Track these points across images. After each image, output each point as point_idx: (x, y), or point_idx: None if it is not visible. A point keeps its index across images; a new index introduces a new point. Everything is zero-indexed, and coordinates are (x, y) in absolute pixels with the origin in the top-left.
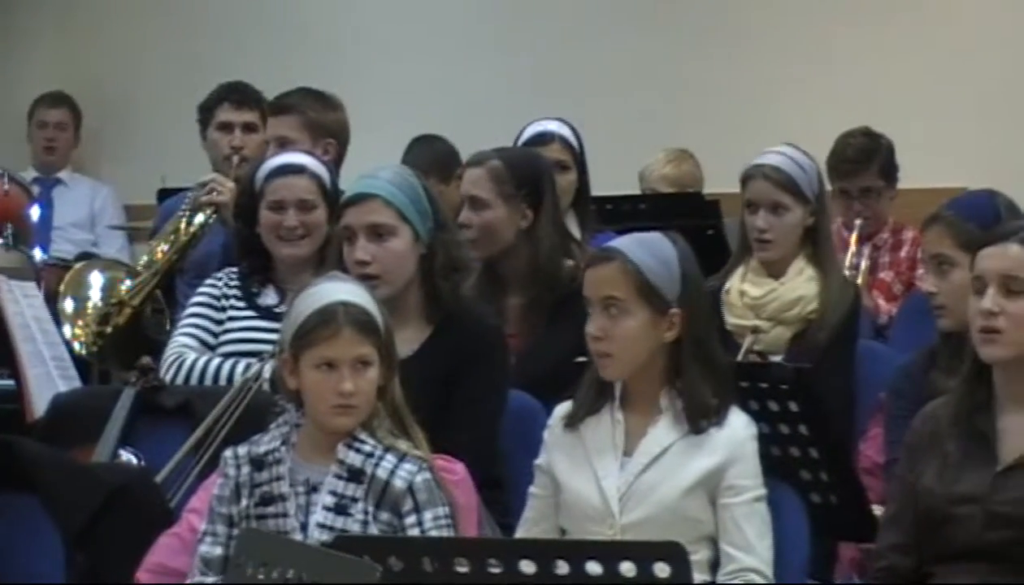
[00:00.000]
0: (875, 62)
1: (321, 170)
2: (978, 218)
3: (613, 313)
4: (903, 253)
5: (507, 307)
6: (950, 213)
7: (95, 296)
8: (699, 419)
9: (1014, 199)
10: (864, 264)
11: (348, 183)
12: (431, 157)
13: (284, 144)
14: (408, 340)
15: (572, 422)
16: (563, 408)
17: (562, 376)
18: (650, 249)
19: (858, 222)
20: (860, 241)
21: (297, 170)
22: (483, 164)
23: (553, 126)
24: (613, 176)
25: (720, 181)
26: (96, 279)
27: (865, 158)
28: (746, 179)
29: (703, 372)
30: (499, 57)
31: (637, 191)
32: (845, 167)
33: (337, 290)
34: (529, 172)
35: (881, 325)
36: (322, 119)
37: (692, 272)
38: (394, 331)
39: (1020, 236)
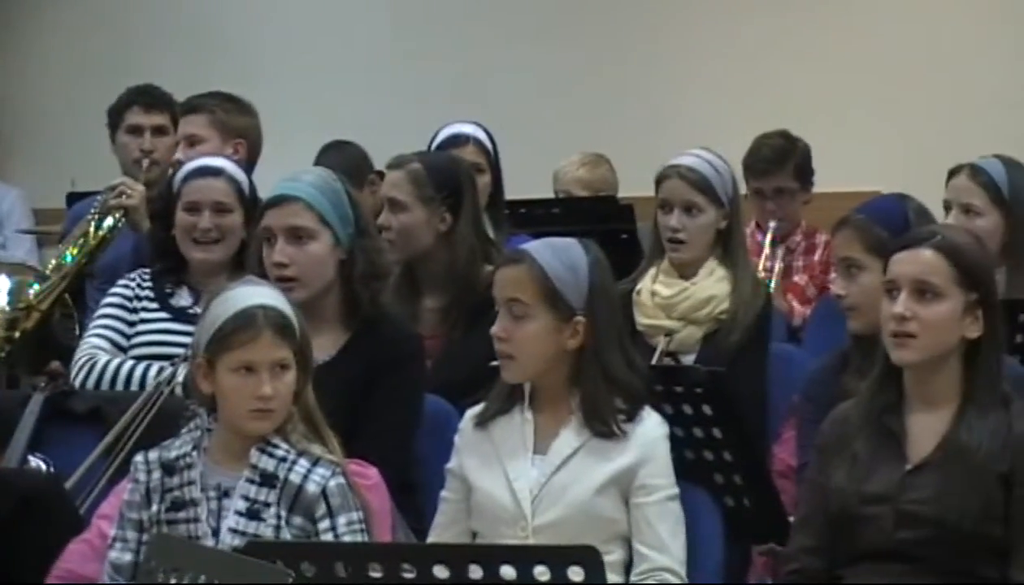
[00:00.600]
0: (789, 66)
1: (239, 175)
2: (887, 222)
3: (516, 315)
4: (816, 257)
5: (424, 310)
6: (860, 217)
7: (2, 300)
8: (598, 426)
9: (927, 203)
10: (778, 267)
11: (266, 189)
12: (342, 162)
13: (194, 143)
14: (325, 345)
15: (482, 421)
16: (474, 411)
17: (478, 380)
18: (560, 255)
19: (773, 223)
20: (774, 243)
21: (214, 173)
22: (403, 167)
23: (468, 129)
24: (527, 179)
25: (634, 185)
26: (3, 283)
27: (780, 159)
28: (661, 179)
29: (602, 382)
30: (415, 61)
31: (551, 194)
32: (760, 167)
33: (255, 294)
34: (449, 176)
35: (795, 327)
36: (232, 120)
37: (601, 282)
38: (310, 335)
39: (933, 242)
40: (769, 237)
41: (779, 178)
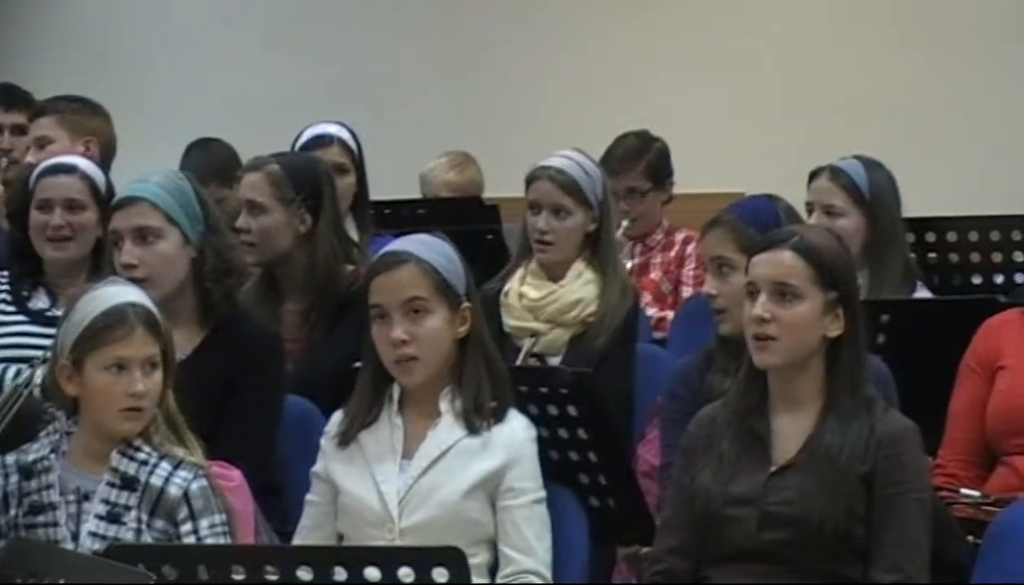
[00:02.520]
0: (656, 67)
1: (95, 173)
2: (759, 222)
3: (416, 315)
4: (672, 253)
5: (286, 312)
6: (732, 216)
7: None
8: (476, 419)
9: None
10: (631, 263)
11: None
12: (209, 161)
13: (44, 145)
14: (181, 344)
15: (346, 439)
16: (340, 415)
17: (341, 382)
18: (433, 248)
19: (624, 223)
20: (631, 242)
21: (68, 170)
22: (261, 169)
23: (332, 129)
24: (393, 180)
25: (501, 185)
26: None
27: (631, 158)
28: (530, 180)
29: (485, 370)
30: (282, 61)
31: (417, 195)
32: (611, 166)
33: (122, 292)
34: (308, 176)
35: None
36: (82, 121)
37: (467, 268)
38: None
39: (791, 243)
40: (620, 234)
41: (630, 178)
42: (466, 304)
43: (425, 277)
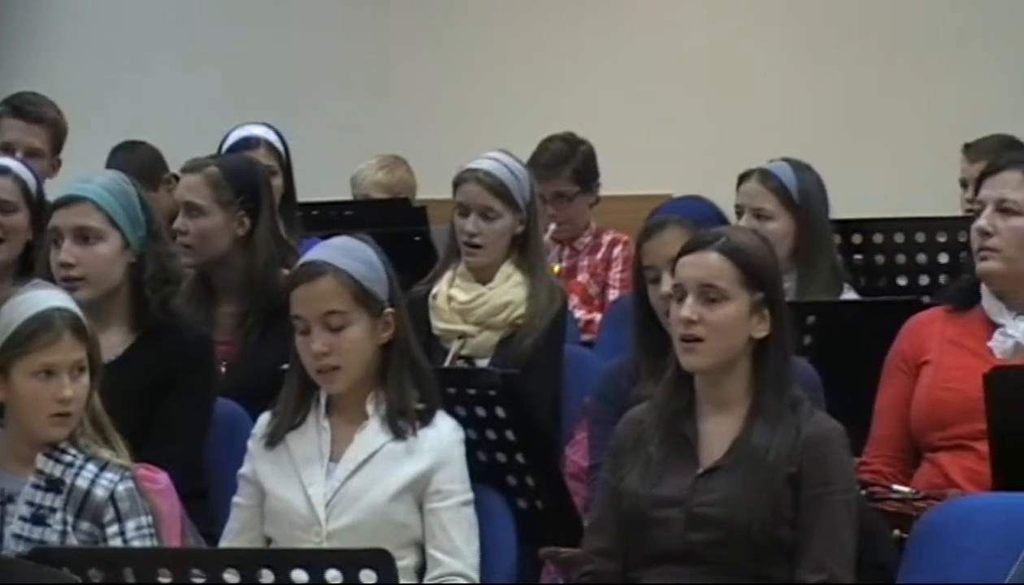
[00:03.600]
0: (583, 69)
1: (27, 175)
2: (705, 220)
3: (335, 326)
4: (599, 255)
5: (220, 315)
6: (679, 217)
7: None
8: (401, 422)
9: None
10: (558, 267)
11: (58, 192)
12: (135, 163)
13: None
14: (110, 346)
15: (273, 441)
16: (267, 417)
17: (272, 385)
18: (354, 254)
19: (552, 226)
20: (558, 245)
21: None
22: (200, 171)
23: (258, 131)
24: (321, 181)
25: (428, 188)
26: None
27: (558, 163)
28: (458, 183)
29: (410, 374)
30: (208, 62)
31: (345, 196)
32: (538, 171)
33: (47, 297)
34: (247, 179)
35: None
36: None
37: (392, 271)
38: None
39: (717, 244)
40: (547, 238)
41: (557, 182)
42: (389, 309)
43: (344, 288)
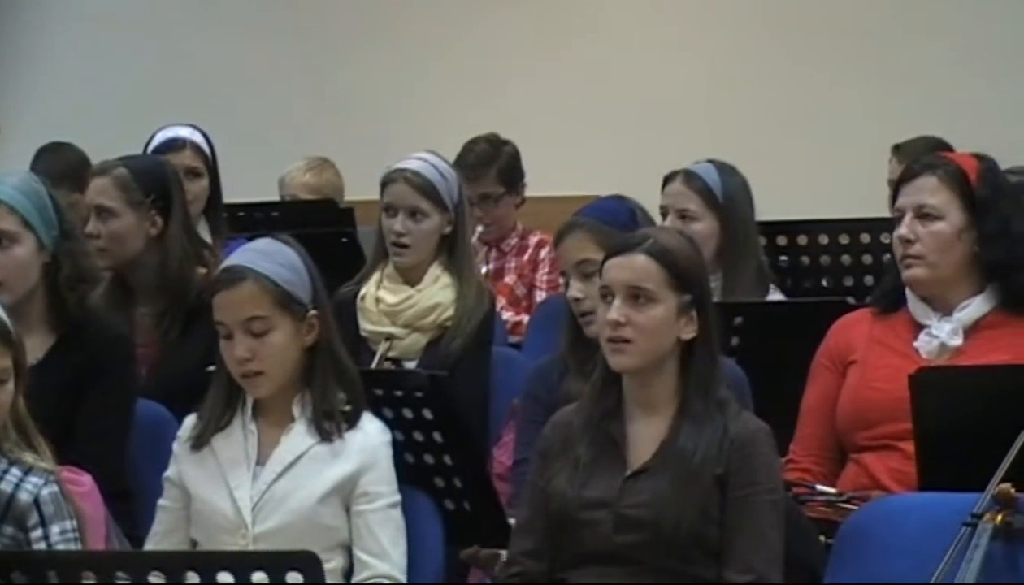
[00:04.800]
0: (510, 71)
1: None
2: (615, 221)
3: (258, 331)
4: (526, 257)
5: (138, 316)
6: (587, 219)
7: None
8: (327, 424)
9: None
10: (486, 268)
11: None
12: (60, 165)
13: None
14: (31, 348)
15: (199, 444)
16: (193, 419)
17: (195, 386)
18: (275, 258)
19: (479, 228)
20: (485, 246)
21: None
22: (108, 173)
23: (184, 132)
24: (248, 182)
25: (355, 188)
26: None
27: (483, 164)
28: (386, 183)
29: (335, 376)
30: (134, 63)
31: (272, 197)
32: (463, 173)
33: None
34: (156, 179)
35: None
36: None
37: (316, 273)
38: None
39: (644, 246)
40: (475, 239)
41: (482, 184)
42: (312, 312)
43: (265, 293)
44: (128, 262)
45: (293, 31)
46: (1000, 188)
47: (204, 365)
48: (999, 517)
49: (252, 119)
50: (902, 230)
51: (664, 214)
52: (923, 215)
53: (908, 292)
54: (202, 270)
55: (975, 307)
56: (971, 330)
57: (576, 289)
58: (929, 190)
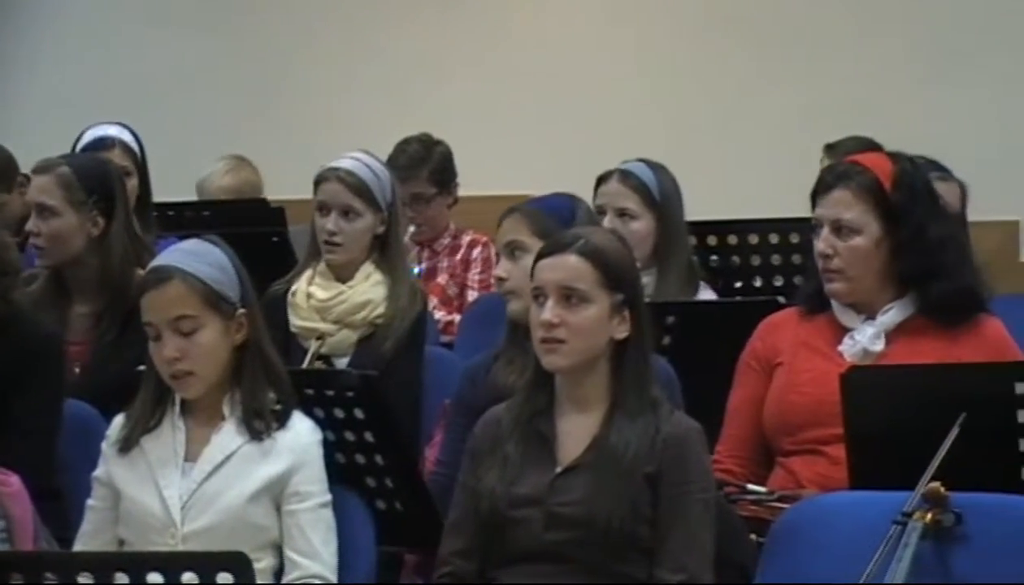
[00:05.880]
0: (443, 70)
1: None
2: (555, 214)
3: (186, 331)
4: (459, 256)
5: (74, 315)
6: (529, 206)
7: None
8: (257, 424)
9: None
10: (418, 269)
11: None
12: None
13: None
14: None
15: (128, 444)
16: (121, 419)
17: (129, 387)
18: (203, 258)
19: (411, 229)
20: (417, 247)
21: None
22: (51, 171)
23: (113, 131)
24: (178, 182)
25: (287, 187)
26: None
27: (415, 165)
28: (319, 181)
29: (264, 375)
30: (60, 62)
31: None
32: (395, 174)
33: None
34: (99, 178)
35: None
36: None
37: (244, 272)
38: None
39: (576, 246)
40: (407, 240)
41: (415, 184)
42: (241, 311)
43: (192, 292)
44: (68, 261)
45: (226, 31)
46: (916, 192)
47: (136, 366)
48: (929, 516)
49: (183, 119)
50: (820, 245)
51: (601, 213)
52: (840, 229)
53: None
54: (141, 271)
55: (896, 312)
56: (893, 334)
57: (502, 269)
58: (845, 204)
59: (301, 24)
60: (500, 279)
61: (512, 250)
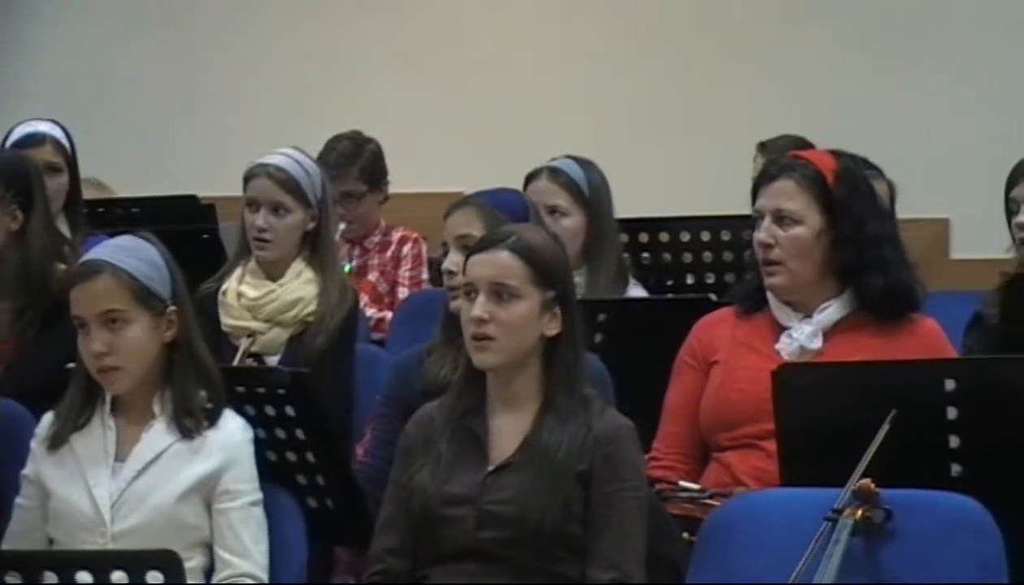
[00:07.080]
0: (372, 68)
1: None
2: (507, 208)
3: (115, 326)
4: (389, 254)
5: None
6: (481, 199)
7: None
8: (187, 422)
9: None
10: (349, 266)
11: None
12: None
13: None
14: None
15: (56, 443)
16: (50, 417)
17: (55, 383)
18: (135, 253)
19: (342, 226)
20: (348, 244)
21: None
22: None
23: (44, 127)
24: (109, 178)
25: (216, 185)
26: None
27: (345, 163)
28: (248, 178)
29: (194, 373)
30: None
31: (134, 194)
32: (326, 171)
33: None
34: (17, 173)
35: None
36: None
37: (176, 269)
38: None
39: (508, 243)
40: (337, 237)
41: (345, 182)
42: (172, 308)
43: (122, 287)
44: None
45: (155, 28)
46: (856, 188)
47: (64, 363)
48: (859, 512)
49: (112, 115)
50: (761, 234)
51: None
52: (782, 219)
53: (769, 294)
54: (62, 266)
55: (834, 310)
56: (830, 332)
57: (451, 262)
58: (788, 194)
59: (229, 21)
60: (450, 272)
61: (463, 245)
